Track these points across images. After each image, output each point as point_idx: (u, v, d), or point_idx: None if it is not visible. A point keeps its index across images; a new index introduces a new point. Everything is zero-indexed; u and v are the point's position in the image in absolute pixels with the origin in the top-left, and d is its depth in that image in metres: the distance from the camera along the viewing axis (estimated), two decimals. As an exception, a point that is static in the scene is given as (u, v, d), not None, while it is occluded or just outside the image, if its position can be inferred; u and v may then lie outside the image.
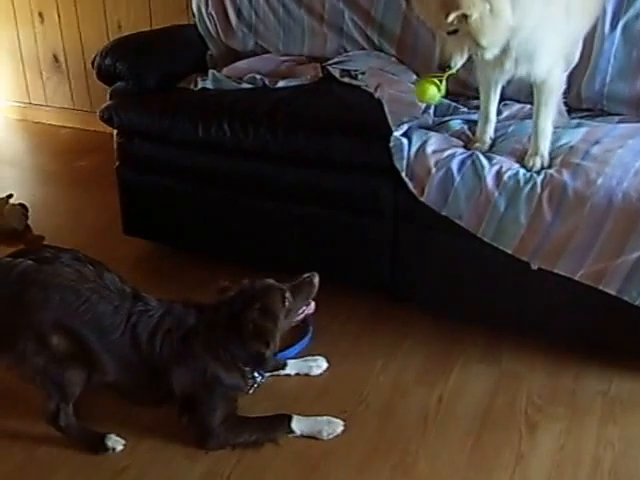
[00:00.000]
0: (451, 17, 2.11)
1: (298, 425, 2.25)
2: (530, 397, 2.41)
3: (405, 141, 2.51)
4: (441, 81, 2.37)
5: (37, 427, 2.25)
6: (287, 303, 2.21)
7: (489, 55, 2.28)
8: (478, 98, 2.62)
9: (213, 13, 3.33)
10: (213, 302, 2.24)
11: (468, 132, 2.63)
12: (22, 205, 3.44)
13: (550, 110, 2.46)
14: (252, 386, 2.26)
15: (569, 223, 2.32)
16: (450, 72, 2.31)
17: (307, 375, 2.51)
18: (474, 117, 2.66)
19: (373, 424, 2.31)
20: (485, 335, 2.67)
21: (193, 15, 3.39)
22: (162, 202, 3.06)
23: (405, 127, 2.54)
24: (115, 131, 3.04)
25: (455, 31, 2.19)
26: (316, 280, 2.29)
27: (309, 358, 2.55)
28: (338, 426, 2.27)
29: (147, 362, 2.13)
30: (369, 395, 2.43)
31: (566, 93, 2.76)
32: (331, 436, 2.26)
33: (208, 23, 3.34)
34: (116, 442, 2.23)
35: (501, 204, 2.38)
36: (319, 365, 2.54)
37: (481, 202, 2.40)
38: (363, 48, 3.12)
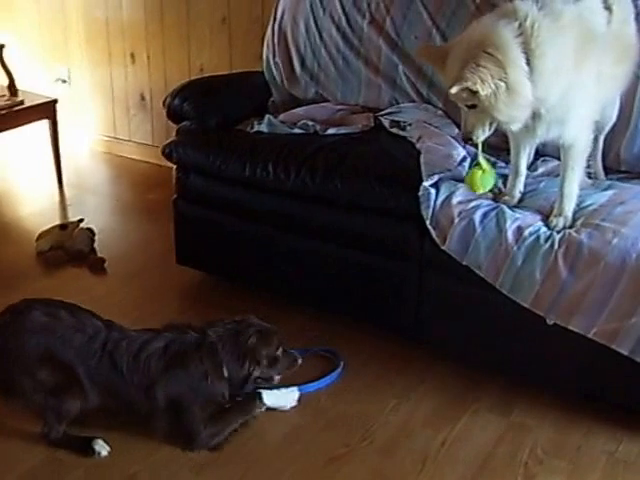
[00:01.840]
0: (453, 90, 2.19)
1: (268, 398, 2.51)
2: (534, 449, 2.43)
3: (433, 191, 2.61)
4: (491, 164, 2.53)
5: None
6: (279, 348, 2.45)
7: (514, 128, 2.36)
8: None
9: (279, 61, 3.52)
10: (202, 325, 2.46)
11: (501, 185, 2.71)
12: (90, 230, 3.69)
13: (577, 173, 2.52)
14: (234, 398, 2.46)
15: (583, 281, 2.36)
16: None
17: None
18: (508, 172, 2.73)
19: (373, 460, 2.39)
20: (500, 385, 2.70)
21: (262, 62, 3.60)
22: (211, 234, 3.23)
23: (436, 178, 2.64)
24: (174, 166, 3.26)
25: (474, 105, 2.27)
26: (299, 361, 2.53)
27: (283, 390, 2.60)
28: (295, 394, 2.57)
29: (130, 381, 2.33)
30: (375, 432, 2.51)
31: (605, 154, 2.81)
32: (292, 404, 2.56)
33: (274, 71, 3.53)
34: (102, 447, 2.39)
35: (519, 258, 2.44)
36: (292, 398, 2.61)
37: (500, 254, 2.47)
38: (413, 100, 3.23)
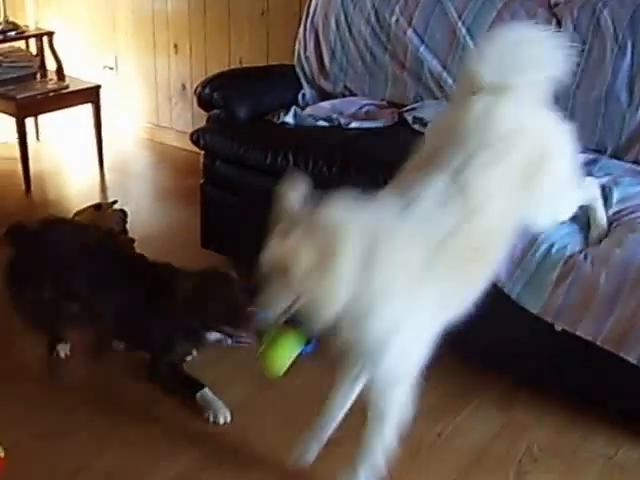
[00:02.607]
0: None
1: (203, 396, 2.59)
2: (530, 447, 2.46)
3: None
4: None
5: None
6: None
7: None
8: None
9: (310, 56, 3.59)
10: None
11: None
12: (122, 211, 3.79)
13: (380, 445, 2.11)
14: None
15: (591, 287, 2.37)
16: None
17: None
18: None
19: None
20: (502, 383, 2.72)
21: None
22: (234, 219, 3.31)
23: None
24: (202, 152, 3.35)
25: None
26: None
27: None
28: (224, 415, 2.55)
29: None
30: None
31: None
32: (214, 419, 2.54)
33: (305, 64, 3.60)
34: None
35: (532, 266, 2.46)
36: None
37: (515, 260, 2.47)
38: (437, 98, 3.26)
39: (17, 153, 4.68)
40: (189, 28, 4.66)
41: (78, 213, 3.84)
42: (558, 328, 2.45)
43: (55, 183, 4.66)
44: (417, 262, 1.87)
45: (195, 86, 3.51)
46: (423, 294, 1.89)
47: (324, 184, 2.90)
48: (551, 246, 2.44)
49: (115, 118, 5.13)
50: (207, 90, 3.36)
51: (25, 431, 2.48)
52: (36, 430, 2.50)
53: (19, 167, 4.53)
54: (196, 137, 3.30)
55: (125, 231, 3.75)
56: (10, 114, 4.61)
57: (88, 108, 4.76)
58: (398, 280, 1.84)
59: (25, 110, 4.62)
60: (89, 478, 2.34)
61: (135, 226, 3.80)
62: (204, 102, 3.40)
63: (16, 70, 5.11)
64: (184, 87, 4.78)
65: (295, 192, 1.95)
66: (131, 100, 5.18)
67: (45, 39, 5.27)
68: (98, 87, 4.75)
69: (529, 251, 2.46)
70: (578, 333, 2.41)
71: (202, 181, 3.39)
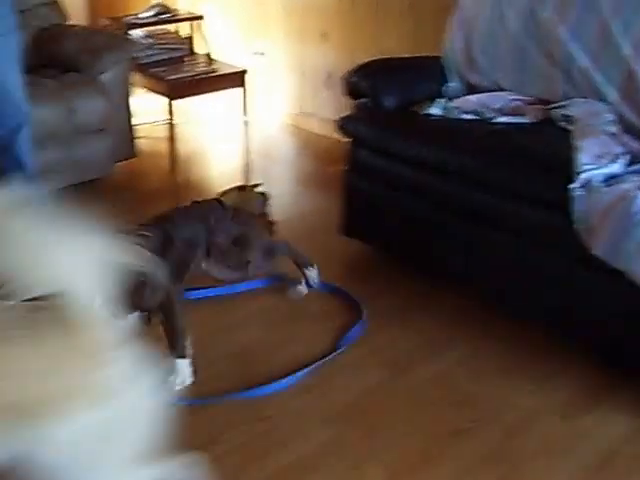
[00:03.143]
0: None
1: (181, 366, 2.61)
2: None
3: (583, 190, 2.60)
4: None
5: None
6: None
7: None
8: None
9: (459, 48, 3.59)
10: None
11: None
12: (264, 194, 3.91)
13: None
14: None
15: None
16: None
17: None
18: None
19: (495, 439, 2.46)
20: (638, 385, 2.66)
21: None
22: (375, 208, 3.38)
23: (590, 174, 2.64)
24: (348, 140, 3.42)
25: None
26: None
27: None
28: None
29: None
30: (503, 414, 2.57)
31: None
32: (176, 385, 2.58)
33: (453, 57, 3.61)
34: None
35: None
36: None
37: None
38: (585, 96, 3.21)
39: (165, 133, 4.91)
40: (338, 17, 4.76)
41: (223, 193, 3.99)
42: None
43: (200, 164, 4.85)
44: None
45: (342, 74, 3.58)
46: None
47: (468, 176, 2.97)
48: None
49: (262, 103, 5.28)
50: (355, 78, 3.43)
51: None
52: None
53: (166, 147, 4.74)
54: (343, 125, 3.39)
55: (266, 214, 3.88)
56: (162, 94, 4.83)
57: (235, 92, 4.94)
58: None
59: (175, 91, 4.84)
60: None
61: (275, 209, 3.92)
62: (352, 90, 3.47)
63: (167, 52, 5.37)
64: (330, 76, 4.87)
65: None
66: (278, 86, 5.32)
67: (195, 23, 5.50)
68: (244, 72, 4.91)
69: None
70: None
71: (346, 169, 3.47)
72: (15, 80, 3.46)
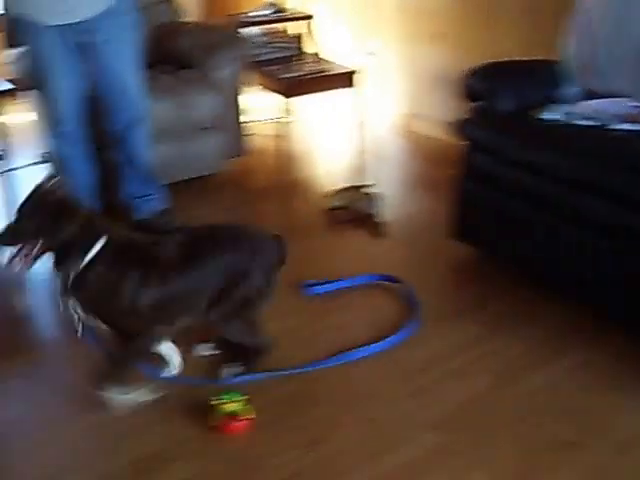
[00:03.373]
0: None
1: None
2: None
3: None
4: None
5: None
6: None
7: None
8: None
9: (578, 53, 3.50)
10: None
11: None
12: (377, 195, 3.93)
13: None
14: None
15: None
16: None
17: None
18: None
19: (605, 455, 2.38)
20: None
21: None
22: (490, 214, 3.32)
23: None
24: (463, 143, 3.38)
25: None
26: None
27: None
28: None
29: None
30: (615, 428, 2.49)
31: None
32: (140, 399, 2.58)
33: (571, 61, 3.52)
34: None
35: None
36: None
37: None
38: None
39: (275, 132, 4.96)
40: (451, 19, 4.72)
41: (335, 192, 4.03)
42: None
43: (309, 163, 4.89)
44: None
45: (453, 76, 3.54)
46: None
47: (584, 182, 2.89)
48: None
49: (375, 104, 5.28)
50: (473, 81, 3.39)
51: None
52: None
53: (276, 145, 4.79)
54: (459, 128, 3.35)
55: (377, 215, 3.88)
56: (276, 92, 4.89)
57: (345, 92, 4.95)
58: None
59: (288, 90, 4.88)
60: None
61: (385, 210, 3.93)
62: (468, 93, 3.42)
63: (279, 51, 5.42)
64: (441, 77, 4.84)
65: None
66: (390, 87, 5.31)
67: (304, 22, 5.55)
68: (352, 72, 4.92)
69: None
70: None
71: (460, 172, 3.43)
72: (133, 76, 3.56)
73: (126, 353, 2.58)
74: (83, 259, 2.41)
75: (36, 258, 2.42)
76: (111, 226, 2.52)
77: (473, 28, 4.59)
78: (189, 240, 2.59)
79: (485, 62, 3.56)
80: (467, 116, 3.40)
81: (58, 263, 2.44)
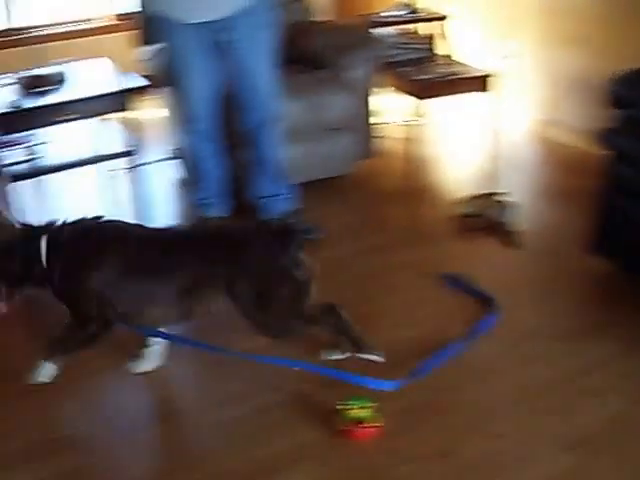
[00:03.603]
0: None
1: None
2: None
3: None
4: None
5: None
6: None
7: None
8: None
9: None
10: None
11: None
12: (512, 203, 3.81)
13: None
14: None
15: None
16: None
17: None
18: None
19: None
20: None
21: None
22: (633, 227, 3.14)
23: None
24: (606, 153, 3.23)
25: None
26: None
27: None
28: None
29: None
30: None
31: None
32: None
33: None
34: None
35: None
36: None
37: None
38: None
39: (405, 134, 4.89)
40: (597, 21, 4.50)
41: (468, 199, 3.94)
42: None
43: (439, 168, 4.78)
44: None
45: (595, 82, 3.38)
46: None
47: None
48: None
49: (512, 109, 5.14)
50: (619, 88, 3.22)
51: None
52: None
53: (406, 148, 4.72)
54: (604, 137, 3.19)
55: (510, 224, 3.75)
56: (410, 94, 4.84)
57: (480, 96, 4.84)
58: None
59: (422, 92, 4.81)
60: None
61: (517, 219, 3.80)
62: (614, 100, 3.26)
63: (411, 52, 5.36)
64: (582, 82, 4.65)
65: None
66: (526, 91, 5.15)
67: (437, 23, 5.47)
68: (488, 76, 4.80)
69: None
70: None
71: (603, 184, 3.26)
72: (266, 76, 3.56)
73: (77, 335, 2.69)
74: (41, 261, 2.59)
75: (10, 295, 2.68)
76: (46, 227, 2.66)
77: (622, 31, 4.37)
78: (168, 236, 2.74)
79: (635, 68, 3.40)
80: (612, 125, 3.24)
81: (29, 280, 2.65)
